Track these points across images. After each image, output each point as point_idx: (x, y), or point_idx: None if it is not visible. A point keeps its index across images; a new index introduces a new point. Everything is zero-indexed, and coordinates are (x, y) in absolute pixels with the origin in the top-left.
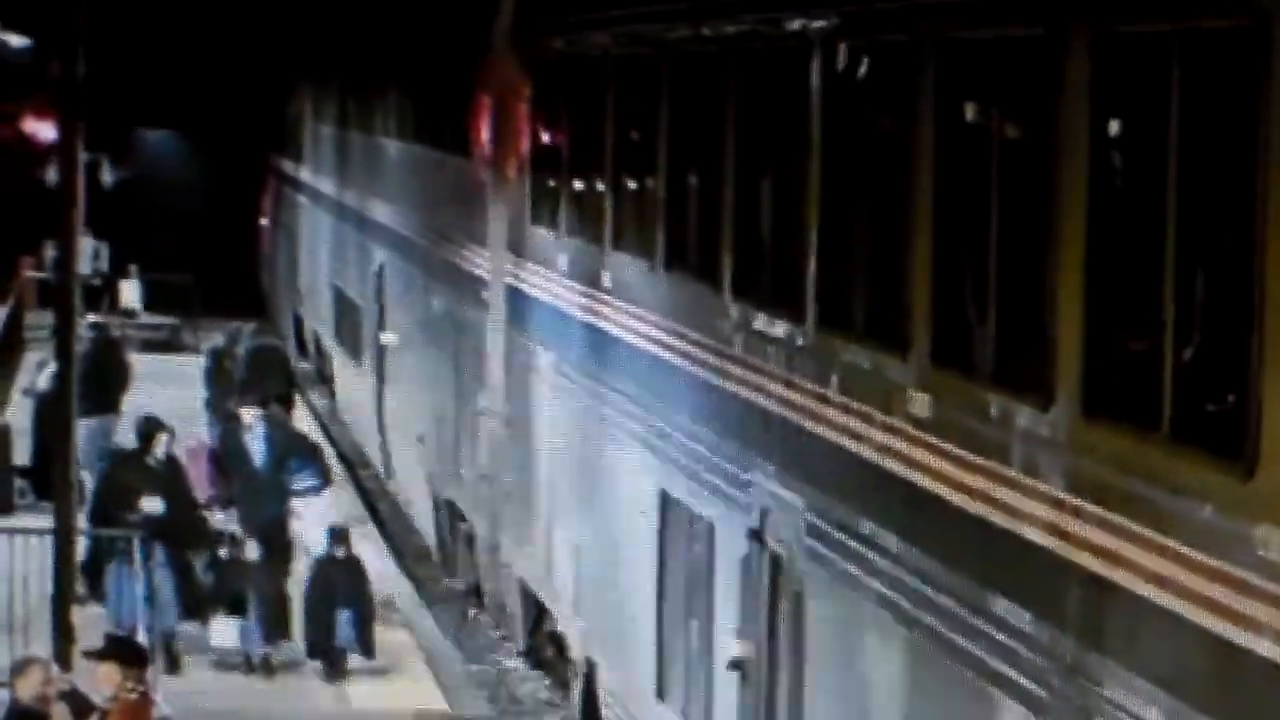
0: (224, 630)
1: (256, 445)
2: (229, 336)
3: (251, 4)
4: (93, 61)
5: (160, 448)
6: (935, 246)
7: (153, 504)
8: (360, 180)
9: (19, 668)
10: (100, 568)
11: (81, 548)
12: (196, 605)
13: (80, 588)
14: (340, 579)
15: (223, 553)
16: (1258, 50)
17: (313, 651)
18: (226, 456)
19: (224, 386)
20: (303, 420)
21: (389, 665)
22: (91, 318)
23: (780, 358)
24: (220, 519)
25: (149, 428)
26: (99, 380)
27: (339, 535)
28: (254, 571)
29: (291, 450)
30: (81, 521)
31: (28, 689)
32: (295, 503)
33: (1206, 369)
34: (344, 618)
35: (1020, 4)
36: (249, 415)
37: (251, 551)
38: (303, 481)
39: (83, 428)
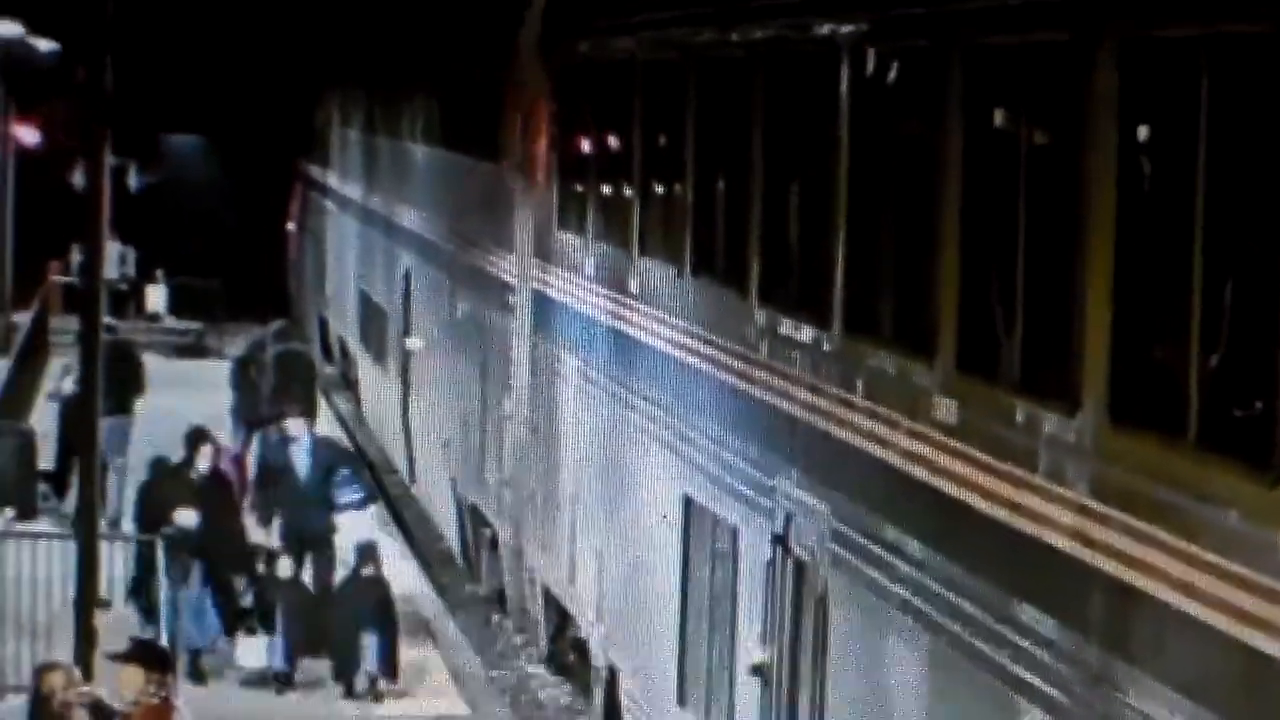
0: (250, 648)
1: (301, 459)
2: (252, 343)
3: (279, 10)
4: (120, 66)
5: (204, 460)
6: (962, 252)
7: (186, 516)
8: (387, 186)
9: (41, 672)
10: (143, 578)
11: (106, 555)
12: (235, 622)
13: (105, 593)
14: (366, 599)
15: (260, 568)
16: None
17: (338, 674)
18: (270, 470)
19: (249, 394)
20: (325, 425)
21: (411, 671)
22: (106, 320)
23: (806, 363)
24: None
25: (194, 440)
26: (111, 382)
27: (366, 553)
28: (286, 587)
29: (337, 464)
30: (127, 525)
31: (50, 692)
32: (339, 518)
33: (1233, 376)
34: (369, 639)
35: (1047, 9)
36: (294, 428)
37: (284, 568)
38: (347, 496)
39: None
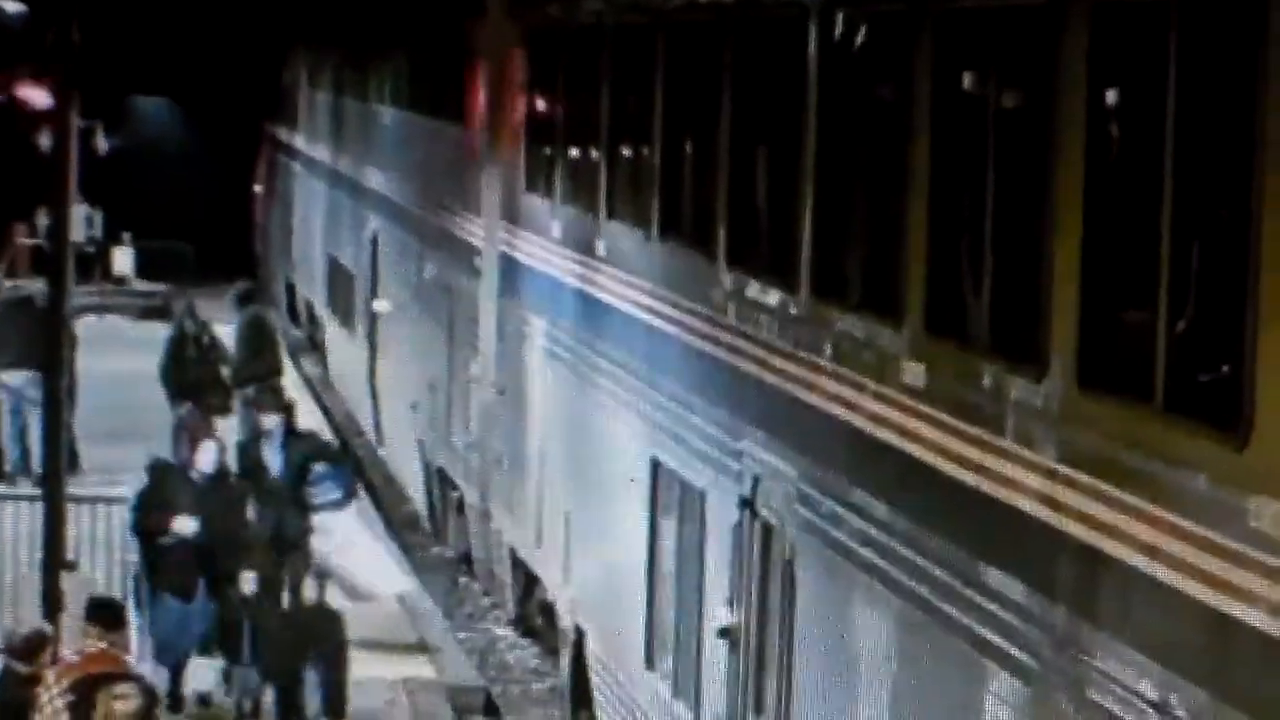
0: (204, 671)
1: (273, 455)
2: (183, 308)
3: None
4: (87, 28)
5: (206, 458)
6: (930, 217)
7: (186, 525)
8: (354, 148)
9: (31, 640)
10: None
11: (74, 516)
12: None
13: (72, 555)
14: (312, 630)
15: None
16: (1255, 19)
17: (282, 710)
18: (243, 468)
19: (182, 362)
20: (291, 389)
21: (378, 634)
22: (9, 283)
23: (774, 327)
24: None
25: (194, 436)
26: (18, 336)
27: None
28: (257, 603)
29: (314, 457)
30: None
31: (38, 659)
32: (316, 519)
33: (1201, 340)
34: (312, 674)
35: None
36: (267, 422)
37: (247, 581)
38: (324, 495)
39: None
